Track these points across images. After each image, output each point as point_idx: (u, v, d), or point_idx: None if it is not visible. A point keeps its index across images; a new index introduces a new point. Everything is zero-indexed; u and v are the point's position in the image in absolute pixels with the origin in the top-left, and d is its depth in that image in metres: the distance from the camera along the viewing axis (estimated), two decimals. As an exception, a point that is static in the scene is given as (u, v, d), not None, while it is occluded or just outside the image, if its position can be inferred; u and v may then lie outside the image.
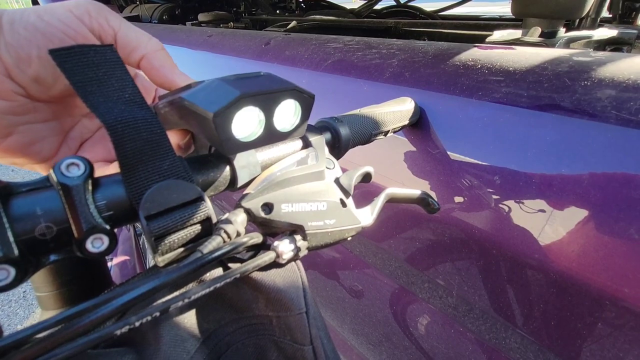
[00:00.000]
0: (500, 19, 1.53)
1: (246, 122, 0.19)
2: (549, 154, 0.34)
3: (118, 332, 0.15)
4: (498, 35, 0.66)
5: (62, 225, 0.16)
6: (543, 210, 0.34)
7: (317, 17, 1.60)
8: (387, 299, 0.58)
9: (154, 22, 1.81)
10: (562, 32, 0.78)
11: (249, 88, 0.18)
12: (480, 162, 0.39)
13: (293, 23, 1.15)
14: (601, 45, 0.84)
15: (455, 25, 1.23)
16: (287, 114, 0.21)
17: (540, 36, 0.67)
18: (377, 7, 1.86)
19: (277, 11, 2.13)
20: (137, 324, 0.15)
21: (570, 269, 0.33)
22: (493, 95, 0.38)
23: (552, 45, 0.58)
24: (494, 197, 0.38)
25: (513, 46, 0.45)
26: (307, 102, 0.20)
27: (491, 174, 0.38)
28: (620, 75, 0.33)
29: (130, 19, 1.69)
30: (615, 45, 0.87)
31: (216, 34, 0.91)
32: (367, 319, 0.65)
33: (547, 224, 0.34)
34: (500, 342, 0.41)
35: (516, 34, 0.69)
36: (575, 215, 0.32)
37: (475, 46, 0.46)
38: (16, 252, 0.15)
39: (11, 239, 0.15)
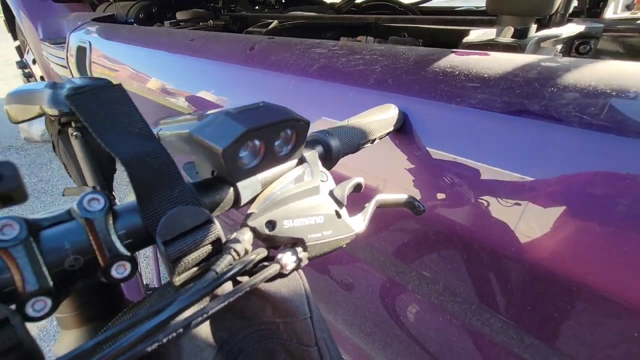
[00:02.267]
0: (477, 11, 1.58)
1: (250, 153, 0.21)
2: (522, 156, 0.37)
3: (149, 349, 0.17)
4: (474, 35, 0.69)
5: (88, 256, 0.18)
6: (518, 204, 0.37)
7: (299, 13, 1.60)
8: (377, 291, 0.61)
9: (130, 21, 1.77)
10: (533, 29, 0.82)
11: (252, 123, 0.19)
12: (460, 163, 0.41)
13: (274, 23, 1.16)
14: (570, 40, 0.89)
15: (434, 21, 1.26)
16: (286, 140, 0.23)
17: (513, 35, 0.70)
18: (358, 0, 1.87)
19: (257, 7, 2.11)
20: (164, 340, 0.17)
21: (542, 259, 0.36)
22: (470, 101, 0.41)
23: (524, 46, 0.62)
24: (474, 195, 0.41)
25: (488, 51, 0.48)
26: (303, 128, 0.22)
27: (471, 174, 0.41)
28: (582, 82, 0.36)
29: (105, 19, 1.64)
30: (583, 39, 0.92)
31: (198, 37, 0.90)
32: (359, 310, 0.68)
33: (521, 219, 0.37)
34: (483, 326, 0.45)
35: (491, 33, 0.72)
36: (546, 210, 0.35)
37: (453, 52, 0.49)
38: (51, 284, 0.17)
39: (46, 272, 0.17)
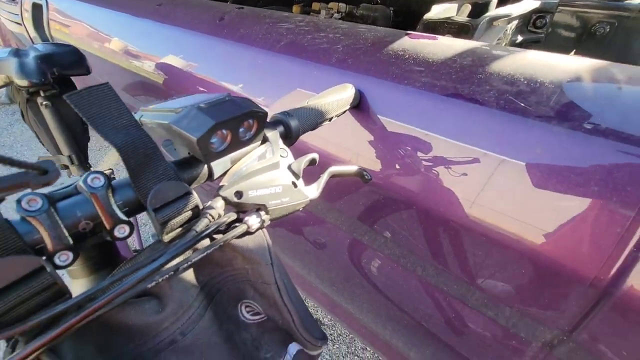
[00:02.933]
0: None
1: (219, 139, 0.26)
2: (456, 132, 0.44)
3: (149, 286, 0.23)
4: (435, 11, 0.73)
5: (96, 220, 0.24)
6: (451, 169, 0.45)
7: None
8: (344, 249, 0.70)
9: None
10: (494, 4, 0.87)
11: (220, 117, 0.25)
12: (409, 137, 0.48)
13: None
14: (528, 15, 0.95)
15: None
16: (249, 127, 0.28)
17: (470, 13, 0.75)
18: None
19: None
20: (160, 280, 0.24)
21: (474, 219, 0.45)
22: (415, 84, 0.47)
23: (476, 25, 0.67)
24: (419, 165, 0.48)
25: (437, 35, 0.53)
26: (262, 117, 0.28)
27: (416, 146, 0.48)
28: (503, 70, 0.43)
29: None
30: (539, 14, 0.97)
31: (166, 2, 0.89)
32: (329, 265, 0.78)
33: (455, 182, 0.45)
34: (431, 277, 0.55)
35: (452, 9, 0.76)
36: (469, 175, 0.43)
37: (407, 34, 0.54)
38: (71, 242, 0.22)
39: (66, 233, 0.22)
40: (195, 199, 0.27)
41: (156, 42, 0.89)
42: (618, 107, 0.36)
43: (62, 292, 0.21)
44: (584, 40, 1.15)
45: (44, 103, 0.77)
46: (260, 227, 0.31)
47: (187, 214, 0.27)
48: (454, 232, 0.48)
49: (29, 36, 1.62)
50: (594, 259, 0.36)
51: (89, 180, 0.24)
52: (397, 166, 0.50)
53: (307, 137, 0.47)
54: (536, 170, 0.38)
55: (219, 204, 0.29)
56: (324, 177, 0.38)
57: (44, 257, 0.22)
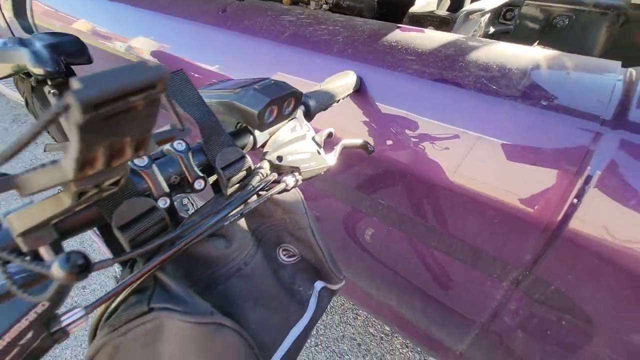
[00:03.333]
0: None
1: (268, 113, 0.34)
2: (443, 112, 0.54)
3: (225, 224, 0.31)
4: (418, 5, 0.82)
5: (182, 175, 0.31)
6: (439, 144, 0.54)
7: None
8: (340, 219, 0.79)
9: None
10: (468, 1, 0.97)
11: (272, 95, 0.32)
12: (401, 116, 0.57)
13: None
14: (499, 8, 1.05)
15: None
16: (288, 105, 0.35)
17: (449, 7, 0.84)
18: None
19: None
20: (226, 223, 0.32)
21: (452, 182, 0.55)
22: (407, 70, 0.55)
23: (455, 19, 0.76)
24: (411, 140, 0.57)
25: (424, 28, 0.62)
26: (299, 97, 0.35)
27: (408, 125, 0.57)
28: (480, 59, 0.52)
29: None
30: (509, 7, 1.08)
31: (165, -7, 0.92)
32: (325, 236, 0.87)
33: (443, 155, 0.55)
34: (420, 235, 0.65)
35: (433, 3, 0.85)
36: (455, 148, 0.53)
37: (398, 27, 0.62)
38: (168, 190, 0.30)
39: (164, 184, 0.29)
40: (249, 161, 0.35)
41: (153, 32, 0.92)
42: (567, 89, 0.46)
43: (167, 226, 0.29)
44: (547, 32, 1.27)
45: (52, 91, 0.80)
46: (295, 185, 0.39)
47: (243, 173, 0.34)
48: (439, 195, 0.58)
49: (6, 24, 1.58)
50: (546, 208, 0.47)
51: (175, 144, 0.31)
52: (392, 141, 0.59)
53: (318, 118, 0.55)
54: (505, 139, 0.48)
55: (266, 165, 0.36)
56: (338, 148, 0.46)
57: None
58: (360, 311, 1.38)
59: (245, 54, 0.74)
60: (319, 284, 0.43)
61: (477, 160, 0.52)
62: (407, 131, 0.57)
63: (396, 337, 1.30)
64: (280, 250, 0.40)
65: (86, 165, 0.16)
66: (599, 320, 0.48)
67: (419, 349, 1.25)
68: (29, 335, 0.21)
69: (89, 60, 0.84)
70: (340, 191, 0.73)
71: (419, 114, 0.56)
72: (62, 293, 0.22)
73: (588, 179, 0.43)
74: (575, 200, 0.45)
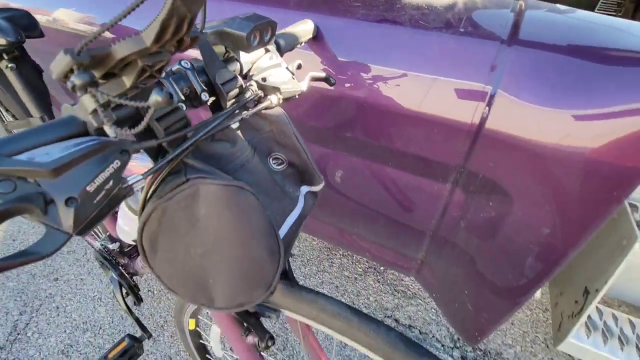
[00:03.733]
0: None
1: (253, 37, 0.42)
2: (387, 50, 0.65)
3: (230, 124, 0.40)
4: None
5: (191, 88, 0.38)
6: (382, 77, 0.66)
7: None
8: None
9: None
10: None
11: (255, 21, 0.40)
12: (355, 60, 0.68)
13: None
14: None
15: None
16: (267, 32, 0.44)
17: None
18: None
19: None
20: (231, 124, 0.40)
21: (395, 105, 0.67)
22: (356, 15, 0.66)
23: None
24: (363, 76, 0.68)
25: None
26: (275, 25, 0.44)
27: (358, 63, 0.67)
28: (413, 0, 0.64)
29: None
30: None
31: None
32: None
33: (386, 86, 0.66)
34: (374, 156, 0.77)
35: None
36: (394, 79, 0.65)
37: (343, -20, 0.72)
38: (183, 97, 0.37)
39: (179, 92, 0.37)
40: (240, 80, 0.43)
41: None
42: (477, 17, 0.60)
43: (189, 123, 0.37)
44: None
45: (9, 66, 0.79)
46: (278, 104, 0.48)
47: (237, 90, 0.43)
48: (389, 119, 0.70)
49: None
50: (469, 113, 0.61)
51: (182, 63, 0.38)
52: (348, 77, 0.70)
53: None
54: (435, 63, 0.61)
55: (254, 84, 0.45)
56: (307, 78, 0.56)
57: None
58: (335, 259, 1.52)
59: (209, 12, 0.79)
60: (304, 188, 0.53)
61: (414, 83, 0.64)
62: (357, 68, 0.68)
63: (368, 275, 1.46)
64: (271, 159, 0.49)
65: (161, 35, 0.24)
66: (517, 195, 0.64)
67: (389, 282, 1.43)
68: (110, 183, 0.28)
69: (41, 34, 0.83)
70: (306, 129, 0.83)
71: (366, 54, 0.66)
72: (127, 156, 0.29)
73: (495, 85, 0.57)
74: (488, 104, 0.59)
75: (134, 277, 1.07)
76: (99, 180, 0.27)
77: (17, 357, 1.17)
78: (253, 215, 0.37)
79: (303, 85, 0.53)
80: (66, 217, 0.26)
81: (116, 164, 0.29)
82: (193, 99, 0.39)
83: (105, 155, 0.28)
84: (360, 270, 1.48)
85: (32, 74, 0.85)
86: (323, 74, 0.59)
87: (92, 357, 1.18)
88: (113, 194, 0.29)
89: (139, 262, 0.98)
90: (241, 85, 0.43)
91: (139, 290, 1.04)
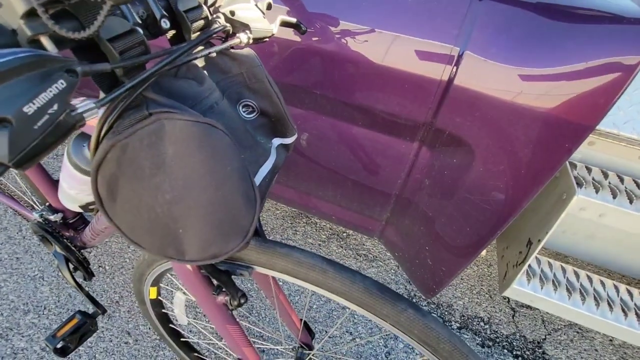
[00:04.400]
0: None
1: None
2: (357, 3, 0.62)
3: (199, 63, 0.35)
4: None
5: (149, 12, 0.33)
6: (352, 34, 0.64)
7: None
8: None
9: None
10: None
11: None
12: (323, 12, 0.64)
13: None
14: None
15: None
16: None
17: None
18: None
19: None
20: (196, 57, 0.36)
21: (368, 61, 0.65)
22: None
23: None
24: (331, 30, 0.65)
25: None
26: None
27: (327, 18, 0.64)
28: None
29: None
30: None
31: None
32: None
33: (354, 42, 0.64)
34: (334, 110, 0.75)
35: None
36: (370, 35, 0.63)
37: None
38: (139, 21, 0.32)
39: (135, 16, 0.31)
40: (206, 11, 0.38)
41: None
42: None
43: (148, 51, 0.32)
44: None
45: None
46: (247, 43, 0.44)
47: (201, 22, 0.38)
48: (360, 77, 0.69)
49: None
50: (438, 68, 0.61)
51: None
52: (316, 30, 0.66)
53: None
54: (407, 17, 0.60)
55: (222, 18, 0.40)
56: (277, 21, 0.51)
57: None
58: (298, 227, 1.52)
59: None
60: (276, 140, 0.50)
61: (384, 39, 0.63)
62: (326, 21, 0.65)
63: (332, 241, 1.49)
64: (241, 107, 0.46)
65: None
66: (478, 152, 0.67)
67: (351, 247, 1.47)
68: (55, 107, 0.23)
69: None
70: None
71: (337, 5, 0.63)
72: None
73: (465, 42, 0.58)
74: (456, 63, 0.59)
75: (82, 251, 0.98)
76: (39, 101, 0.23)
77: (-58, 346, 1.04)
78: (227, 156, 0.34)
79: (274, 28, 0.49)
80: (-1, 143, 0.21)
81: (61, 84, 0.24)
82: (151, 26, 0.34)
83: (47, 72, 0.23)
84: (324, 237, 1.51)
85: None
86: (294, 20, 0.55)
87: (38, 338, 1.08)
88: (59, 120, 0.24)
89: (87, 233, 0.89)
90: (207, 17, 0.38)
91: (88, 264, 0.96)
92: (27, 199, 1.05)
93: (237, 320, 0.57)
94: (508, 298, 1.40)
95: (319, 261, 0.48)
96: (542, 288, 0.90)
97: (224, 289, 0.51)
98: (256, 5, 0.46)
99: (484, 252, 1.56)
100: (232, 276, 0.52)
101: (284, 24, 0.54)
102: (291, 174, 0.96)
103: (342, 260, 1.42)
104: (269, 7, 0.49)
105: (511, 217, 0.67)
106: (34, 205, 1.03)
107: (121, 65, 0.28)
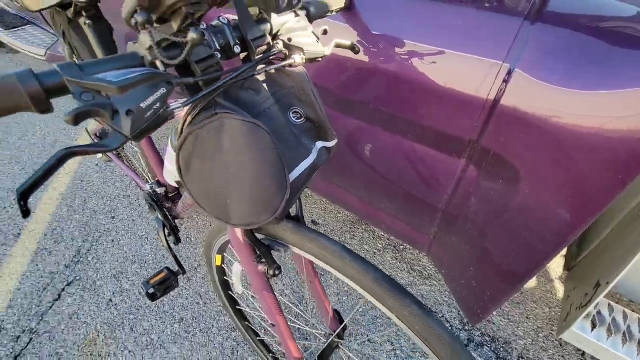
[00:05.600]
0: None
1: (284, 0, 0.48)
2: (413, 23, 0.68)
3: (260, 78, 0.47)
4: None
5: (226, 41, 0.46)
6: (407, 52, 0.69)
7: None
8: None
9: None
10: None
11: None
12: (382, 32, 0.71)
13: None
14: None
15: None
16: (297, -4, 0.50)
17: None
18: None
19: None
20: (258, 73, 0.47)
21: (409, 77, 0.70)
22: (388, -12, 0.69)
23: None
24: (387, 48, 0.72)
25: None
26: (302, -8, 0.50)
27: (385, 37, 0.71)
28: (444, -25, 0.65)
29: None
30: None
31: None
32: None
33: (408, 59, 0.70)
34: (389, 123, 0.81)
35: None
36: (429, 54, 0.68)
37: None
38: (219, 47, 0.45)
39: (216, 43, 0.45)
40: (269, 38, 0.50)
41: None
42: (506, -6, 0.60)
43: (221, 69, 0.45)
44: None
45: (87, 22, 0.94)
46: (301, 63, 0.54)
47: (264, 47, 0.50)
48: (412, 92, 0.73)
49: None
50: (486, 86, 0.62)
51: (221, 19, 0.46)
52: (374, 48, 0.74)
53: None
54: (457, 37, 0.63)
55: (280, 42, 0.52)
56: (332, 44, 0.61)
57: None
58: (357, 232, 1.59)
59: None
60: (319, 143, 0.60)
61: (436, 57, 0.67)
62: (384, 40, 0.72)
63: (387, 251, 1.51)
64: (291, 113, 0.57)
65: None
66: (527, 174, 0.65)
67: (406, 261, 1.47)
68: (158, 105, 0.37)
69: (115, -3, 0.96)
70: (330, 98, 0.89)
71: (393, 28, 0.70)
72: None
73: (515, 60, 0.59)
74: (505, 84, 0.60)
75: (176, 220, 1.22)
76: (149, 101, 0.36)
77: (78, 276, 1.41)
78: (266, 150, 0.45)
79: (327, 50, 0.59)
80: (126, 124, 0.35)
81: (162, 90, 0.37)
82: (227, 51, 0.47)
83: (156, 83, 0.37)
84: (380, 246, 1.54)
85: (105, 31, 0.98)
86: (348, 42, 0.64)
87: (137, 284, 1.38)
88: (159, 113, 0.38)
89: (180, 206, 1.12)
90: (269, 43, 0.50)
91: (178, 231, 1.19)
92: (144, 174, 1.36)
93: (275, 292, 0.68)
94: (583, 352, 1.22)
95: (340, 248, 0.55)
96: (608, 338, 0.80)
97: (263, 259, 0.62)
98: (312, 32, 0.57)
99: (560, 293, 1.38)
100: (272, 251, 0.63)
101: (339, 46, 0.63)
102: (349, 179, 1.05)
103: (394, 273, 1.43)
104: (325, 32, 0.59)
105: (559, 248, 0.64)
106: (147, 179, 1.32)
107: (201, 79, 0.41)
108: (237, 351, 1.19)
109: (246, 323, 1.08)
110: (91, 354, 1.17)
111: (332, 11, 0.67)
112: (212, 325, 1.26)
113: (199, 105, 0.43)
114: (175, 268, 1.17)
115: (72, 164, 1.94)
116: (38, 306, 1.30)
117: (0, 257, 1.46)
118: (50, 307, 1.29)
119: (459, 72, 0.65)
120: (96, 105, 0.34)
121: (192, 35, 0.33)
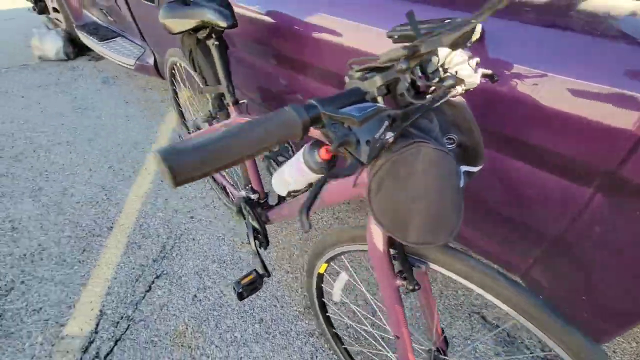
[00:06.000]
0: None
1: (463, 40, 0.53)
2: (552, 55, 0.70)
3: (434, 106, 0.51)
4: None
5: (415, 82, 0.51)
6: (543, 82, 0.71)
7: None
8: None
9: None
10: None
11: (457, 30, 0.51)
12: (516, 62, 0.74)
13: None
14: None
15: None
16: (467, 38, 0.54)
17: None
18: None
19: None
20: (434, 106, 0.51)
21: (543, 107, 0.71)
22: (523, 19, 0.71)
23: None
24: (522, 78, 0.74)
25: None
26: (470, 32, 0.54)
27: (519, 68, 0.73)
28: (587, 8, 0.67)
29: None
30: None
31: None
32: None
33: (544, 89, 0.71)
34: (511, 148, 0.82)
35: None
36: (562, 87, 0.69)
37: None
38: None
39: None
40: (441, 72, 0.54)
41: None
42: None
43: (412, 104, 0.49)
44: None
45: (215, 44, 1.03)
46: (462, 93, 0.58)
47: (436, 80, 0.54)
48: (546, 121, 0.75)
49: None
50: (630, 117, 0.63)
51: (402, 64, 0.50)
52: (508, 77, 0.76)
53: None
54: (602, 69, 0.64)
55: (451, 77, 0.56)
56: (479, 73, 0.64)
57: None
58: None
59: (386, 9, 0.92)
60: (463, 167, 0.63)
61: (577, 87, 0.68)
62: (519, 70, 0.74)
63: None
64: (445, 138, 0.60)
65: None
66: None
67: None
68: (383, 135, 0.42)
69: (236, 24, 1.05)
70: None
71: (529, 55, 0.72)
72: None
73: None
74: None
75: (264, 225, 1.30)
76: (380, 132, 0.41)
77: (165, 270, 1.51)
78: (451, 175, 0.49)
79: (477, 80, 0.62)
80: (364, 152, 0.40)
81: (386, 123, 0.42)
82: (415, 86, 0.52)
83: (382, 117, 0.42)
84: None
85: (224, 49, 1.08)
86: (490, 71, 0.67)
87: (218, 283, 1.46)
88: (381, 142, 0.43)
89: (275, 213, 1.19)
90: (440, 77, 0.54)
91: (267, 236, 1.26)
92: (235, 179, 1.45)
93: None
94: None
95: (491, 270, 0.58)
96: None
97: (404, 275, 0.65)
98: (468, 63, 0.61)
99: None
100: (413, 267, 0.66)
101: (483, 75, 0.66)
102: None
103: (468, 291, 1.42)
104: (478, 64, 0.63)
105: None
106: (240, 186, 1.41)
107: (406, 110, 0.46)
108: (316, 356, 1.23)
109: (333, 330, 1.12)
110: (182, 345, 1.26)
111: (471, 44, 0.71)
112: (291, 329, 1.31)
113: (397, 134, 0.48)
114: (261, 271, 1.24)
115: (152, 164, 2.10)
116: (132, 295, 1.41)
117: (98, 247, 1.60)
118: (143, 297, 1.40)
119: (599, 101, 0.66)
120: (349, 136, 0.39)
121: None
